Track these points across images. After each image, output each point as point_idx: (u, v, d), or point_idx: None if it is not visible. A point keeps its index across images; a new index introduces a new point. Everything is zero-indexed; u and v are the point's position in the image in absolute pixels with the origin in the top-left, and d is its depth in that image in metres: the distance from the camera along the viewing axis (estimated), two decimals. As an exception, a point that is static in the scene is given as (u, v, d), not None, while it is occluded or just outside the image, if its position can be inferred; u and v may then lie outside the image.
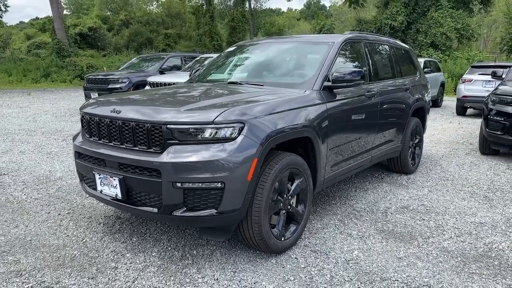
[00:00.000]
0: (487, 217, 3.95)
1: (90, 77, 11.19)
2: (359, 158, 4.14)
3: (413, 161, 5.47)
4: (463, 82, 11.47)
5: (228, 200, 2.62)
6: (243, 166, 2.62)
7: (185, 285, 2.68)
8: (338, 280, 2.76)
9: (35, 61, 24.84)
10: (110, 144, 2.96)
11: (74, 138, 3.42)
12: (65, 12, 36.51)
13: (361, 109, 3.98)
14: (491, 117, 6.16)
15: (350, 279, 2.78)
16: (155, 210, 2.74)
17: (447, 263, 3.02)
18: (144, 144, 2.75)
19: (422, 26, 24.57)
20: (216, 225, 2.82)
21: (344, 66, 3.90)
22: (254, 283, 2.70)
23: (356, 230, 3.58)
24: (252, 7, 37.57)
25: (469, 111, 12.18)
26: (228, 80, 4.07)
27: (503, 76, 7.26)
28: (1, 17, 30.84)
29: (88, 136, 3.20)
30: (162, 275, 2.80)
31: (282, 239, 3.05)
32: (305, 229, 3.52)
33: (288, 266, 2.94)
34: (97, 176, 3.02)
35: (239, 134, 2.66)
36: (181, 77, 8.35)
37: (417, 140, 5.55)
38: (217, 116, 2.63)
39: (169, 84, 8.05)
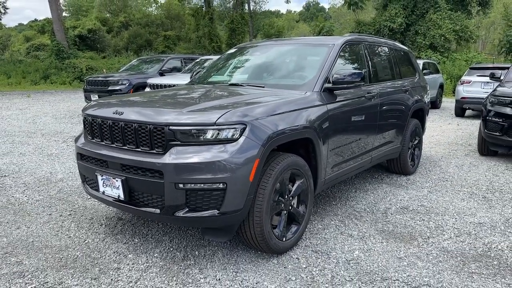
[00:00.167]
0: (486, 217, 3.97)
1: (90, 79, 11.20)
2: (359, 159, 4.17)
3: (412, 162, 5.50)
4: (461, 84, 11.52)
5: (230, 201, 2.65)
6: (245, 167, 2.64)
7: (187, 285, 2.70)
8: (339, 280, 2.78)
9: (34, 63, 24.86)
10: (112, 145, 2.98)
11: (76, 139, 3.44)
12: (64, 14, 36.54)
13: (361, 111, 4.01)
14: (490, 118, 6.19)
15: (351, 278, 2.80)
16: (158, 211, 2.76)
17: (446, 262, 3.04)
18: (147, 145, 2.77)
19: (421, 28, 24.66)
20: (218, 226, 2.84)
21: (344, 68, 3.93)
22: (256, 283, 2.72)
23: (357, 230, 3.61)
24: (251, 9, 37.62)
25: (468, 112, 12.22)
26: (229, 82, 4.09)
27: (502, 78, 7.30)
28: (0, 19, 30.87)
29: (90, 137, 3.22)
30: (164, 275, 2.81)
31: (284, 240, 3.08)
32: (306, 229, 3.54)
33: (289, 266, 2.96)
34: (99, 177, 3.04)
35: (240, 135, 2.69)
36: (181, 79, 8.37)
37: (416, 141, 5.58)
38: (219, 118, 2.65)
39: (169, 86, 8.07)
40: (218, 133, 2.65)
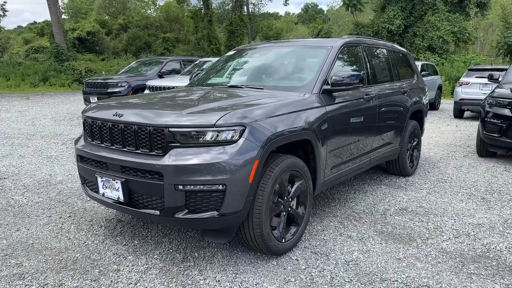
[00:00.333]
0: (485, 218, 3.99)
1: (89, 81, 11.21)
2: (358, 161, 4.18)
3: (411, 164, 5.51)
4: (460, 85, 11.55)
5: (229, 202, 2.66)
6: (245, 168, 2.65)
7: (187, 287, 2.70)
8: (339, 281, 2.79)
9: (33, 65, 24.85)
10: (112, 147, 2.99)
11: (76, 141, 3.45)
12: (63, 16, 36.50)
13: (360, 112, 4.02)
14: (488, 120, 6.21)
15: (350, 280, 2.81)
16: (157, 212, 2.77)
17: (445, 263, 3.05)
18: (146, 147, 2.78)
19: (419, 29, 24.74)
20: (218, 227, 2.85)
21: (343, 70, 3.95)
22: (256, 285, 2.73)
23: (356, 231, 3.62)
24: (250, 11, 37.69)
25: (466, 113, 12.25)
26: (228, 84, 4.11)
27: (500, 79, 7.32)
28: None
29: (90, 139, 3.23)
30: (164, 277, 2.82)
31: (283, 241, 3.08)
32: (305, 231, 3.55)
33: (289, 267, 2.97)
34: (99, 179, 3.05)
35: (240, 137, 2.70)
36: (180, 81, 8.40)
37: (415, 143, 5.60)
38: (218, 119, 2.67)
39: (169, 88, 8.09)
40: (218, 135, 2.66)
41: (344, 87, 3.54)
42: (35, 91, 20.43)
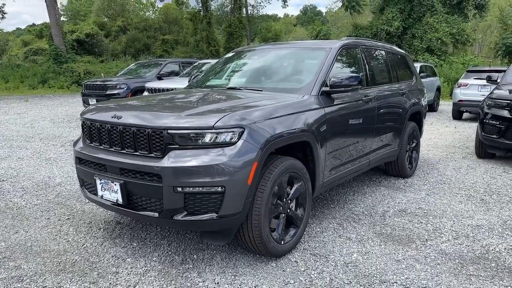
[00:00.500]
0: (484, 219, 3.99)
1: (88, 83, 11.21)
2: (357, 162, 4.18)
3: (410, 165, 5.52)
4: (458, 87, 11.57)
5: (228, 204, 2.65)
6: (243, 170, 2.65)
7: (186, 289, 2.70)
8: (338, 283, 2.79)
9: (32, 67, 24.84)
10: (111, 149, 2.99)
11: (75, 143, 3.45)
12: (62, 18, 36.53)
13: (359, 114, 4.02)
14: (487, 121, 6.22)
15: (350, 281, 2.80)
16: (156, 214, 2.76)
17: (445, 265, 3.05)
18: (145, 149, 2.78)
19: (418, 31, 24.80)
20: (217, 229, 2.84)
21: (342, 72, 3.95)
22: (255, 287, 2.72)
23: (355, 233, 3.61)
24: (249, 13, 37.76)
25: (465, 115, 12.27)
26: (227, 86, 4.11)
27: (498, 81, 7.33)
28: (-2, 24, 30.86)
29: (88, 141, 3.22)
30: (163, 279, 2.81)
31: (282, 243, 3.08)
32: (305, 232, 3.54)
33: (288, 269, 2.96)
34: (98, 181, 3.04)
35: (239, 138, 2.70)
36: (179, 83, 8.39)
37: (414, 144, 5.60)
38: (217, 121, 2.66)
39: (168, 90, 8.09)
40: (217, 137, 2.66)
41: (343, 88, 3.54)
42: (34, 93, 20.41)
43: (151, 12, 51.06)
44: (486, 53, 38.40)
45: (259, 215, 2.81)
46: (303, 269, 2.96)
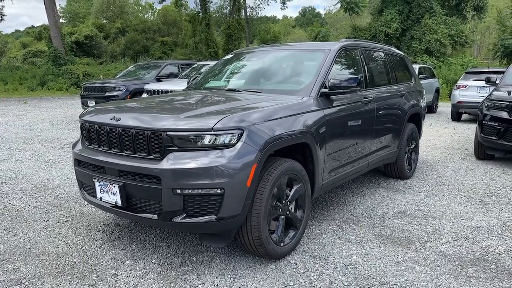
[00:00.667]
0: (483, 221, 3.99)
1: (87, 85, 11.21)
2: (356, 164, 4.18)
3: (409, 167, 5.52)
4: (457, 88, 11.59)
5: (227, 206, 2.65)
6: (243, 172, 2.64)
7: (185, 291, 2.69)
8: (337, 285, 2.78)
9: (31, 69, 24.85)
10: (110, 151, 2.98)
11: (74, 145, 3.44)
12: (61, 20, 36.54)
13: (358, 115, 4.03)
14: (486, 122, 6.23)
15: (349, 283, 2.80)
16: (155, 216, 2.76)
17: (444, 267, 3.05)
18: (144, 151, 2.78)
19: (417, 33, 24.84)
20: (216, 231, 2.84)
21: (341, 73, 3.95)
22: (254, 289, 2.72)
23: (354, 235, 3.61)
24: (248, 15, 37.82)
25: (464, 116, 12.29)
26: (226, 88, 4.11)
27: (497, 82, 7.35)
28: (-3, 26, 30.86)
29: (87, 143, 3.22)
30: (162, 281, 2.81)
31: (281, 245, 3.07)
32: (304, 234, 3.54)
33: (287, 271, 2.96)
34: (96, 184, 3.03)
35: (238, 140, 2.69)
36: (178, 85, 8.38)
37: (413, 146, 5.60)
38: (216, 123, 2.66)
39: (167, 91, 8.09)
40: (216, 139, 2.66)
41: (342, 90, 3.54)
42: (33, 95, 20.40)
43: (150, 14, 51.15)
44: (484, 55, 38.47)
45: (259, 217, 2.81)
46: (302, 271, 2.95)
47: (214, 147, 2.66)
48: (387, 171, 5.43)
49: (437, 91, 14.35)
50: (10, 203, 4.40)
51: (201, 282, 2.80)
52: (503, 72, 8.26)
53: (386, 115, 4.65)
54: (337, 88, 3.51)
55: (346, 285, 2.77)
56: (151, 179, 2.70)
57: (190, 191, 2.61)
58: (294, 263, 3.07)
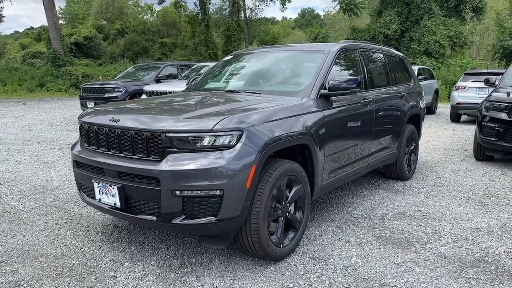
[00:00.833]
0: (483, 222, 3.98)
1: (86, 86, 11.20)
2: (356, 165, 4.17)
3: (409, 168, 5.51)
4: (456, 89, 11.59)
5: (227, 208, 2.64)
6: (242, 173, 2.64)
7: (184, 293, 2.68)
8: (337, 286, 2.77)
9: (30, 70, 24.82)
10: (108, 152, 2.98)
11: (73, 147, 3.43)
12: (60, 21, 36.53)
13: (357, 117, 4.02)
14: (485, 124, 6.23)
15: (349, 285, 2.79)
16: (154, 218, 2.75)
17: (444, 268, 3.04)
18: (143, 153, 2.77)
19: (416, 34, 24.88)
20: (215, 233, 2.83)
21: (340, 74, 3.95)
22: (254, 291, 2.71)
23: (354, 236, 3.60)
24: (247, 16, 37.80)
25: (463, 117, 12.29)
26: (226, 89, 4.10)
27: (496, 83, 7.35)
28: (-4, 27, 30.86)
29: (86, 145, 3.21)
30: (161, 283, 2.79)
31: (281, 246, 3.06)
32: (304, 236, 3.53)
33: (287, 273, 2.95)
34: (95, 185, 3.02)
35: (237, 141, 2.69)
36: (178, 86, 8.38)
37: (412, 147, 5.60)
38: (215, 124, 2.65)
39: (166, 93, 8.08)
40: (215, 140, 2.65)
41: (341, 91, 3.54)
42: (32, 96, 20.39)
43: (149, 15, 51.16)
44: (483, 56, 38.54)
45: (258, 218, 2.80)
46: (302, 273, 2.95)
47: (213, 148, 2.65)
48: (386, 172, 5.43)
49: (436, 92, 14.36)
50: (8, 205, 4.39)
51: (200, 284, 2.79)
52: (502, 73, 8.27)
53: (386, 116, 4.64)
54: (337, 89, 3.51)
55: (346, 287, 2.76)
56: (150, 180, 2.69)
57: (189, 192, 2.60)
58: (294, 265, 3.06)
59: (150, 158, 2.73)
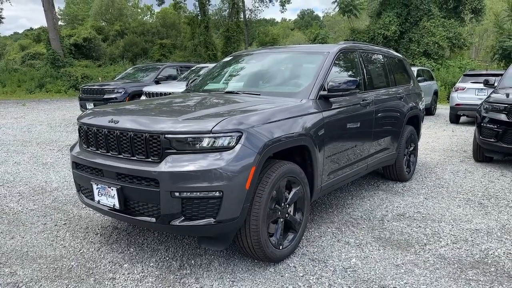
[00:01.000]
0: (482, 223, 3.98)
1: (86, 87, 11.19)
2: (355, 166, 4.17)
3: (408, 169, 5.51)
4: (456, 91, 11.61)
5: (226, 209, 2.63)
6: (241, 174, 2.63)
7: (183, 295, 2.67)
8: (337, 288, 2.77)
9: (29, 71, 24.82)
10: (107, 154, 2.97)
11: (72, 148, 3.43)
12: (60, 22, 36.55)
13: (357, 118, 4.02)
14: (484, 125, 6.23)
15: (349, 287, 2.78)
16: (153, 219, 2.74)
17: (444, 270, 3.04)
18: (142, 154, 2.76)
19: (415, 35, 24.90)
20: (215, 234, 2.82)
21: (339, 76, 3.95)
22: (253, 292, 2.70)
23: (354, 238, 3.60)
24: (246, 17, 37.82)
25: (463, 119, 12.30)
26: (225, 90, 4.10)
27: (495, 84, 7.35)
28: (-4, 28, 30.87)
29: (85, 146, 3.20)
30: (160, 285, 2.79)
31: (280, 248, 3.06)
32: (303, 237, 3.53)
33: (286, 274, 2.94)
34: (94, 186, 3.02)
35: (237, 143, 2.68)
36: (177, 87, 8.38)
37: (412, 148, 5.60)
38: (215, 126, 2.65)
39: (165, 94, 8.08)
40: (214, 141, 2.65)
41: (341, 92, 3.54)
42: (31, 97, 20.38)
43: (148, 16, 51.18)
44: (483, 57, 38.60)
45: (257, 220, 2.80)
46: (301, 275, 2.94)
47: (212, 149, 2.65)
48: (386, 173, 5.43)
49: (436, 93, 14.38)
50: (7, 206, 4.38)
51: (200, 285, 2.78)
52: (501, 75, 8.27)
53: (385, 117, 4.64)
54: (336, 91, 3.51)
55: (346, 289, 2.76)
56: (149, 182, 2.68)
57: (189, 194, 2.60)
58: (293, 266, 3.06)
59: (149, 159, 2.73)
